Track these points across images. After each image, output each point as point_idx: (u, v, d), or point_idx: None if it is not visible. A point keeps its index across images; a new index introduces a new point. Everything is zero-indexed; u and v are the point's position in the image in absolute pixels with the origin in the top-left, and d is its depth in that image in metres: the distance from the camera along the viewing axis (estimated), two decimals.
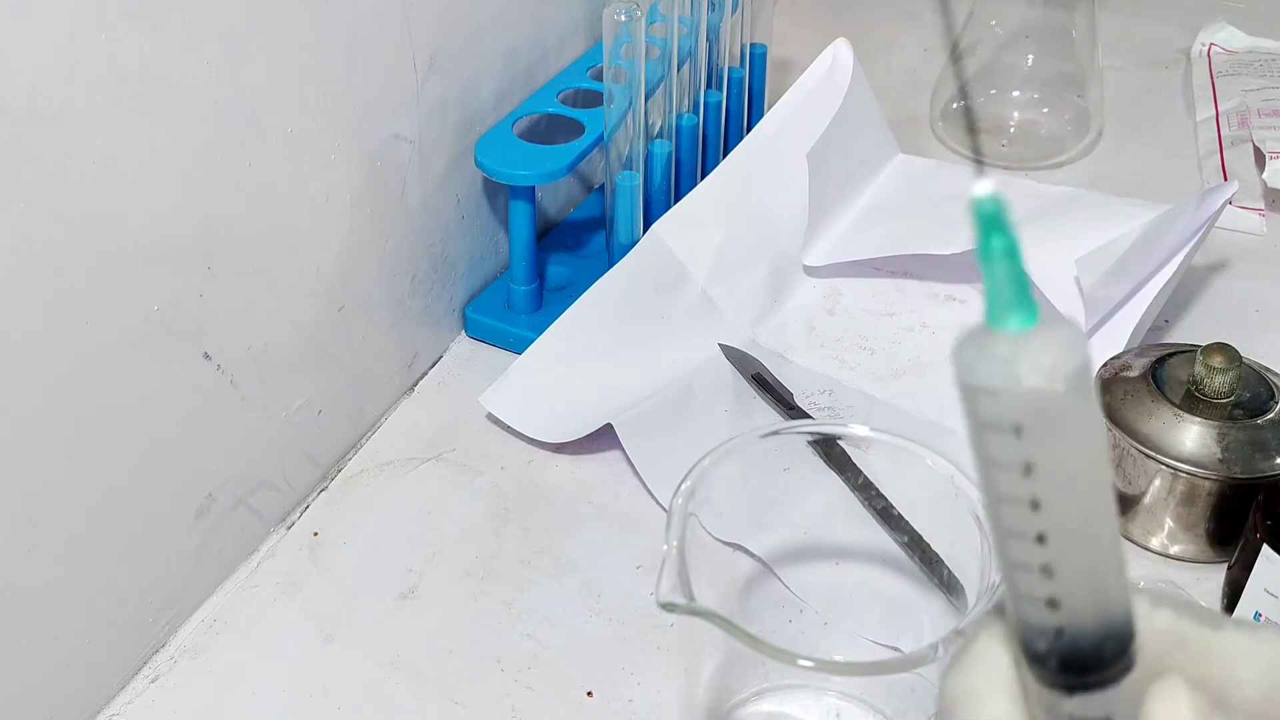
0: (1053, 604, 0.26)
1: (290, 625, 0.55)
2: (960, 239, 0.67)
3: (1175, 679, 0.28)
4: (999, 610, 0.29)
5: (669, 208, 0.69)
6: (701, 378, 0.65)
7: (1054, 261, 0.64)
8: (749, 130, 0.73)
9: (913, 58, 0.96)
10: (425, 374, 0.68)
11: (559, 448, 0.63)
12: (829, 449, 0.55)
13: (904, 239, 0.70)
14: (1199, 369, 0.56)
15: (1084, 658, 0.27)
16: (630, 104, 0.66)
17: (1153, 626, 0.28)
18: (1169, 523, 0.56)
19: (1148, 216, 0.65)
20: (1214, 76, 0.90)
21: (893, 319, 0.69)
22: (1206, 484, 0.55)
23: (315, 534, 0.59)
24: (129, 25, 0.45)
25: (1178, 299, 0.71)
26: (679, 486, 0.44)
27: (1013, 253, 0.24)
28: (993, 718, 0.28)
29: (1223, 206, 0.66)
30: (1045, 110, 0.84)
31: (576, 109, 0.70)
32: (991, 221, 0.24)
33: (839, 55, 0.73)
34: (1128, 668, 0.27)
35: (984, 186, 0.24)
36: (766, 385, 0.65)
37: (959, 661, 0.29)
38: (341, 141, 0.57)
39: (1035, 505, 0.25)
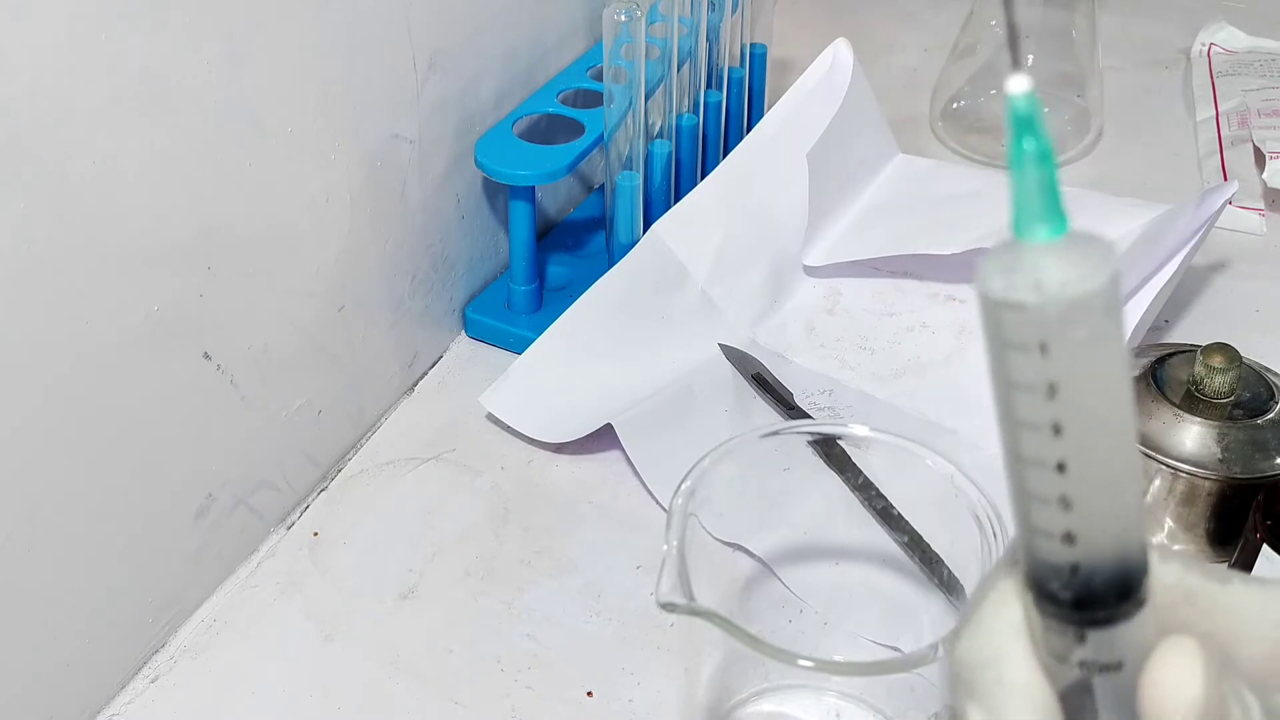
0: (1069, 538, 0.25)
1: (290, 625, 0.55)
2: (960, 239, 0.67)
3: (1186, 635, 0.27)
4: (1006, 565, 0.28)
5: (669, 208, 0.69)
6: (701, 378, 0.65)
7: None
8: (749, 130, 0.73)
9: (913, 58, 0.96)
10: (425, 374, 0.68)
11: (559, 448, 0.63)
12: (829, 449, 0.55)
13: (904, 239, 0.70)
14: (1199, 369, 0.56)
15: (1099, 593, 0.26)
16: (630, 104, 0.66)
17: (1160, 581, 0.27)
18: (1169, 523, 0.56)
19: (1148, 216, 0.65)
20: (1214, 76, 0.90)
21: (893, 319, 0.69)
22: (1206, 484, 0.55)
23: (315, 534, 0.59)
24: (129, 25, 0.45)
25: (1178, 299, 0.71)
26: (679, 486, 0.44)
27: (1045, 157, 0.23)
28: (1014, 681, 0.27)
29: (1223, 206, 0.66)
30: (1045, 110, 0.84)
31: (576, 109, 0.70)
32: (1024, 123, 0.23)
33: (839, 55, 0.73)
34: (1141, 602, 0.26)
35: (1019, 84, 0.23)
36: (766, 385, 0.65)
37: (970, 626, 0.28)
38: (341, 141, 0.57)
39: (1057, 430, 0.24)
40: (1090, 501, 0.25)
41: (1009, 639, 0.27)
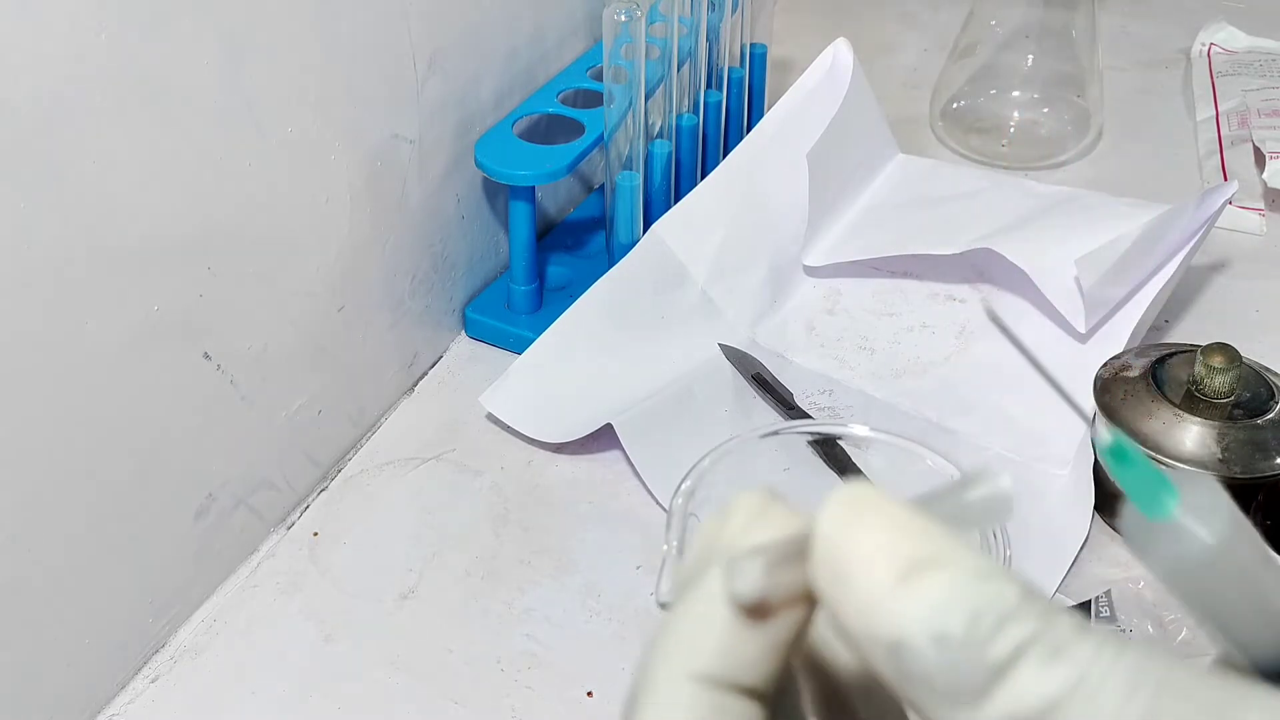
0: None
1: (290, 625, 0.55)
2: (960, 239, 0.67)
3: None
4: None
5: (669, 208, 0.69)
6: (701, 378, 0.65)
7: (1054, 261, 0.64)
8: (749, 130, 0.73)
9: (913, 58, 0.96)
10: (425, 374, 0.68)
11: (559, 448, 0.63)
12: (829, 449, 0.55)
13: (904, 239, 0.70)
14: (1199, 369, 0.56)
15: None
16: (630, 104, 0.66)
17: None
18: None
19: (1148, 216, 0.65)
20: (1214, 76, 0.90)
21: (893, 319, 0.69)
22: None
23: (315, 534, 0.59)
24: (129, 25, 0.45)
25: (1178, 299, 0.71)
26: (679, 486, 0.44)
27: (1158, 481, 0.26)
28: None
29: (1223, 206, 0.66)
30: (1045, 110, 0.84)
31: (576, 109, 0.70)
32: (1122, 459, 0.26)
33: (839, 55, 0.73)
34: None
35: (1105, 437, 0.26)
36: (766, 385, 0.65)
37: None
38: (341, 142, 0.57)
39: (1212, 635, 0.26)
40: (1254, 660, 0.26)
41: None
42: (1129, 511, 0.26)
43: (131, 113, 0.46)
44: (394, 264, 0.63)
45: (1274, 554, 0.26)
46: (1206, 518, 0.25)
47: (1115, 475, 0.26)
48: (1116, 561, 0.57)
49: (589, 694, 0.52)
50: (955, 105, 0.86)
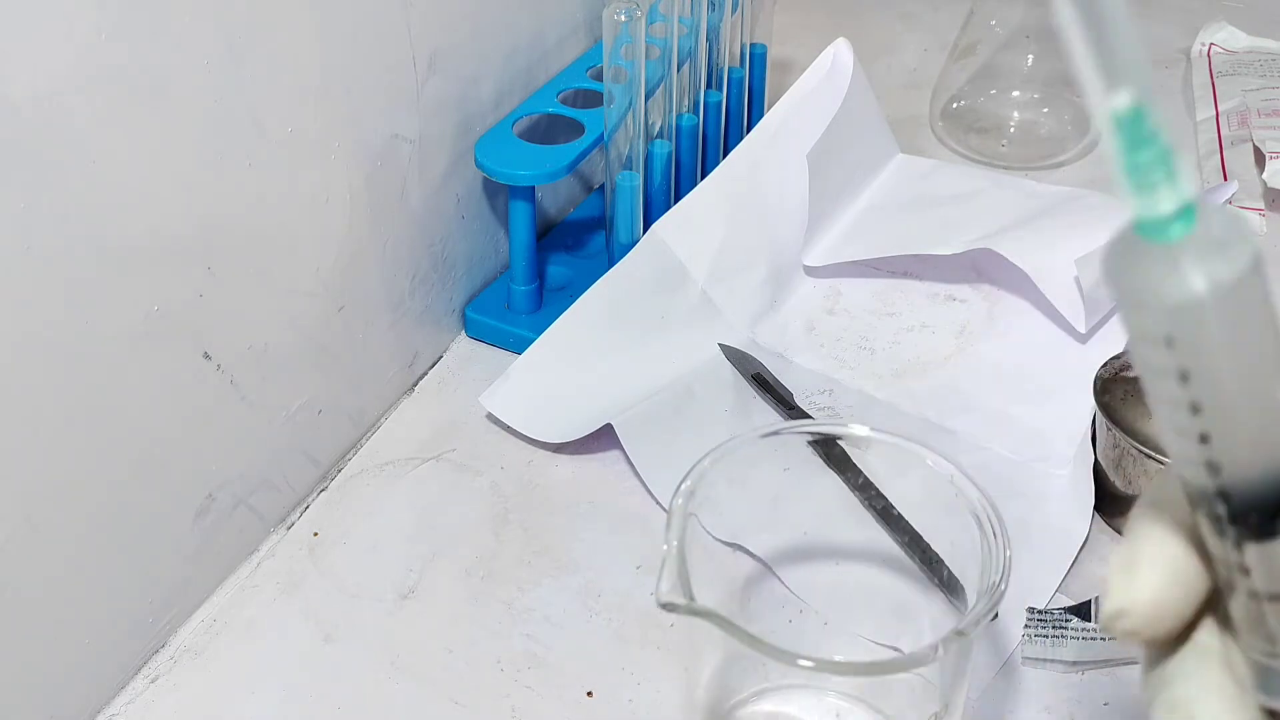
0: (1223, 495, 0.26)
1: (290, 625, 0.55)
2: (960, 239, 0.67)
3: None
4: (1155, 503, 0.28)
5: (669, 208, 0.69)
6: (701, 378, 0.65)
7: (1054, 261, 0.64)
8: (749, 130, 0.73)
9: (913, 58, 0.96)
10: (425, 374, 0.68)
11: (559, 448, 0.63)
12: (829, 449, 0.55)
13: (904, 239, 0.70)
14: None
15: (1252, 511, 0.26)
16: (630, 104, 0.66)
17: None
18: None
19: None
20: (1214, 76, 0.90)
21: (893, 319, 0.69)
22: None
23: (315, 534, 0.59)
24: (129, 25, 0.45)
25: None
26: (679, 486, 0.44)
27: (1165, 158, 0.22)
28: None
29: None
30: (1045, 110, 0.84)
31: (576, 109, 0.70)
32: (1137, 138, 0.22)
33: (839, 55, 0.73)
34: None
35: (1122, 98, 0.22)
36: (766, 385, 0.65)
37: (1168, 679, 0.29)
38: (341, 141, 0.57)
39: (1195, 409, 0.24)
40: (1236, 458, 0.25)
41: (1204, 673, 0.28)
42: (1119, 235, 0.23)
43: (131, 113, 0.46)
44: (394, 264, 0.63)
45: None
46: (1225, 249, 0.22)
47: (1119, 156, 0.22)
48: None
49: (589, 694, 0.52)
50: (955, 105, 0.86)
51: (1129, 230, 0.23)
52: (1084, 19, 0.21)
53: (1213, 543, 0.27)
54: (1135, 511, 0.29)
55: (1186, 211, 0.22)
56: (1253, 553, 0.27)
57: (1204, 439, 0.25)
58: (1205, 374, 0.24)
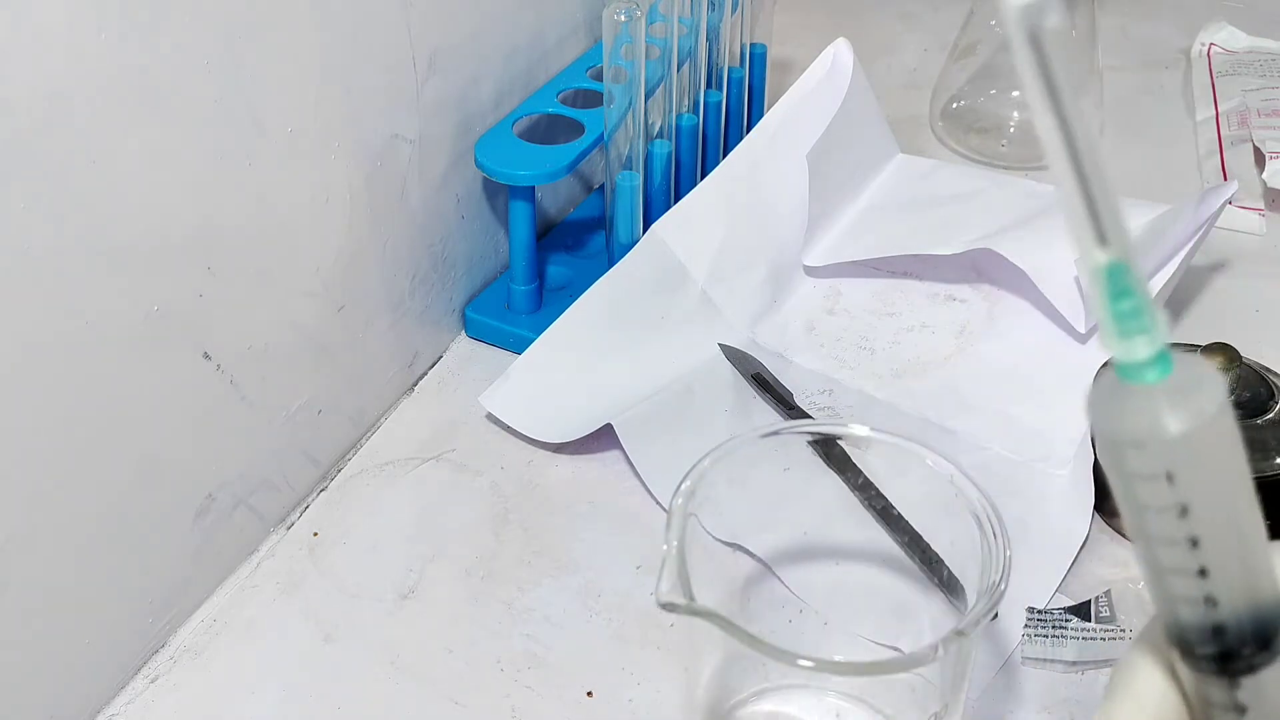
0: (1219, 630, 0.27)
1: (290, 625, 0.55)
2: (960, 239, 0.67)
3: None
4: (1140, 642, 0.30)
5: (669, 208, 0.69)
6: (701, 378, 0.65)
7: (1054, 261, 0.64)
8: (749, 130, 0.73)
9: (913, 58, 0.96)
10: (425, 374, 0.68)
11: (559, 448, 0.63)
12: (829, 449, 0.55)
13: (904, 239, 0.70)
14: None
15: (1244, 645, 0.27)
16: (630, 104, 0.66)
17: None
18: None
19: (1148, 216, 0.65)
20: (1214, 76, 0.90)
21: (893, 319, 0.69)
22: None
23: (315, 534, 0.59)
24: (129, 25, 0.45)
25: (1178, 299, 0.71)
26: (679, 486, 0.44)
27: (1140, 312, 0.25)
28: (1150, 681, 0.29)
29: (1223, 206, 0.66)
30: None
31: (576, 109, 0.70)
32: (1119, 289, 0.25)
33: (839, 55, 0.73)
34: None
35: (1105, 255, 0.25)
36: (766, 385, 0.65)
37: (1115, 700, 0.30)
38: (341, 141, 0.57)
39: (1194, 542, 0.26)
40: (1232, 589, 0.27)
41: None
42: (1103, 384, 0.25)
43: (131, 112, 0.46)
44: (394, 264, 0.63)
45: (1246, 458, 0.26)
46: (1201, 387, 0.25)
47: (1103, 304, 0.24)
48: (1116, 561, 0.57)
49: (589, 694, 0.52)
50: (955, 105, 0.86)
51: (1112, 380, 0.25)
52: (1079, 187, 0.24)
53: (1202, 691, 0.29)
54: (1126, 658, 0.31)
55: (1163, 356, 0.25)
56: (1247, 687, 0.28)
57: (1203, 572, 0.27)
58: (1203, 506, 0.26)
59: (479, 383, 0.65)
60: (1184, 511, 0.26)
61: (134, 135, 0.46)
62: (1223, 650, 0.27)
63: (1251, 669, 0.28)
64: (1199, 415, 0.25)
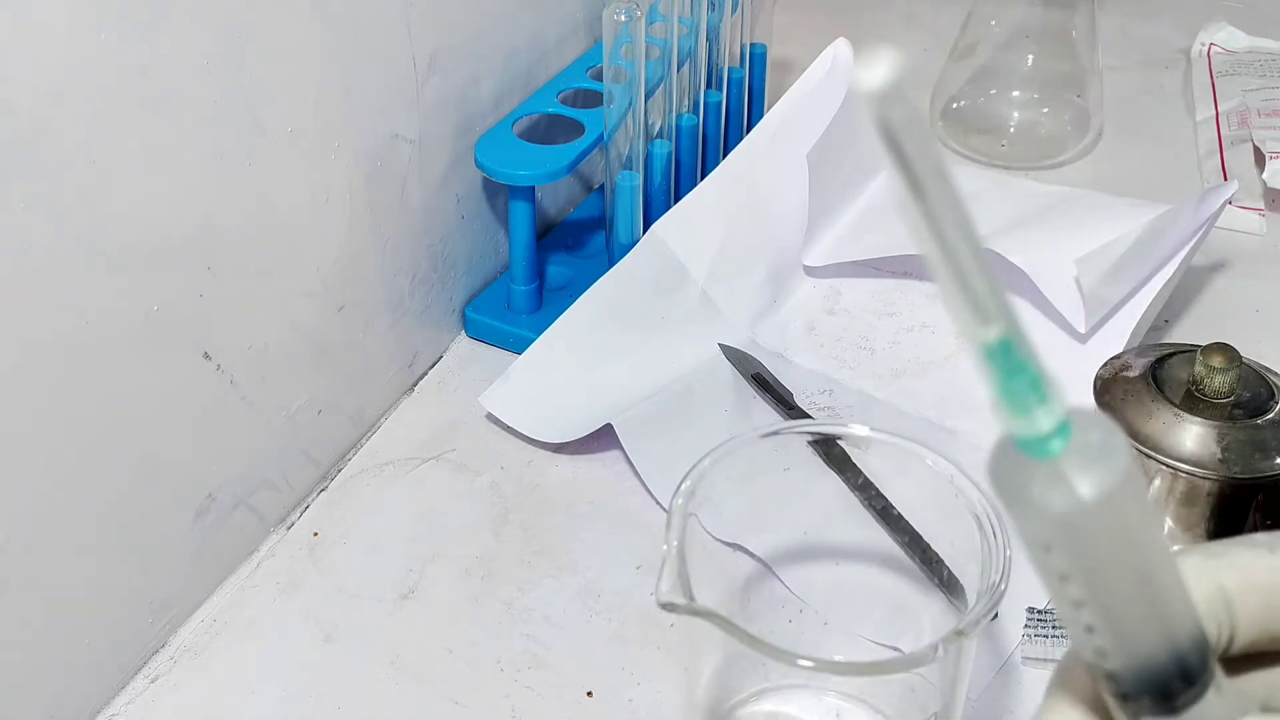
0: (1114, 678, 0.28)
1: (290, 625, 0.55)
2: None
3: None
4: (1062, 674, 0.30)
5: (669, 208, 0.69)
6: (701, 378, 0.65)
7: (1054, 261, 0.64)
8: (749, 130, 0.73)
9: (913, 58, 0.96)
10: (425, 374, 0.68)
11: (559, 448, 0.63)
12: (829, 449, 0.55)
13: (904, 239, 0.69)
14: (1199, 369, 0.56)
15: (1166, 689, 0.28)
16: (630, 104, 0.66)
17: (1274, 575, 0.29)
18: (1169, 523, 0.56)
19: (1148, 216, 0.65)
20: (1214, 76, 0.90)
21: (893, 319, 0.69)
22: (1206, 484, 0.55)
23: (315, 534, 0.59)
24: (128, 25, 0.45)
25: (1178, 299, 0.71)
26: (679, 486, 0.44)
27: (1035, 385, 0.24)
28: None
29: (1223, 206, 0.66)
30: (1045, 110, 0.84)
31: (576, 109, 0.70)
32: (1010, 366, 0.24)
33: (839, 55, 0.73)
34: (1207, 685, 0.28)
35: (992, 333, 0.24)
36: (766, 385, 0.65)
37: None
38: (341, 141, 0.57)
39: (1077, 605, 0.26)
40: (1119, 645, 0.27)
41: None
42: (1001, 445, 0.25)
43: (131, 113, 0.46)
44: (394, 264, 0.63)
45: (1160, 524, 0.27)
46: (1098, 462, 0.24)
47: (995, 383, 0.24)
48: None
49: (589, 694, 0.52)
50: (955, 105, 0.86)
51: (1010, 444, 0.25)
52: (951, 272, 0.23)
53: (1118, 714, 0.29)
54: (1047, 686, 0.31)
55: (1062, 428, 0.24)
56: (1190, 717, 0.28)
57: (1089, 630, 0.27)
58: (1083, 575, 0.26)
59: (479, 383, 0.65)
60: (1063, 579, 0.26)
61: (134, 135, 0.46)
62: (1123, 694, 0.28)
63: (1188, 703, 0.28)
64: (1081, 495, 0.24)
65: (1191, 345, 0.58)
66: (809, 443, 0.53)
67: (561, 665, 0.53)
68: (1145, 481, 0.27)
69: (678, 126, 0.72)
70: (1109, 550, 0.25)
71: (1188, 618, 0.27)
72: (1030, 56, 0.83)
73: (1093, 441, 0.24)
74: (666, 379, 0.65)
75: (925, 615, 0.51)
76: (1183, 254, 0.65)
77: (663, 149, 0.70)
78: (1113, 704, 0.28)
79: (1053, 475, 0.24)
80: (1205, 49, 0.94)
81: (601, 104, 0.67)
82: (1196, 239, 0.65)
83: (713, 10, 0.72)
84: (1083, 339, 0.64)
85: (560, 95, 0.71)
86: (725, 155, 0.73)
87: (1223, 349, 0.56)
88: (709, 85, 0.74)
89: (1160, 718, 0.28)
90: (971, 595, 0.44)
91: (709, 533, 0.49)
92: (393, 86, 0.60)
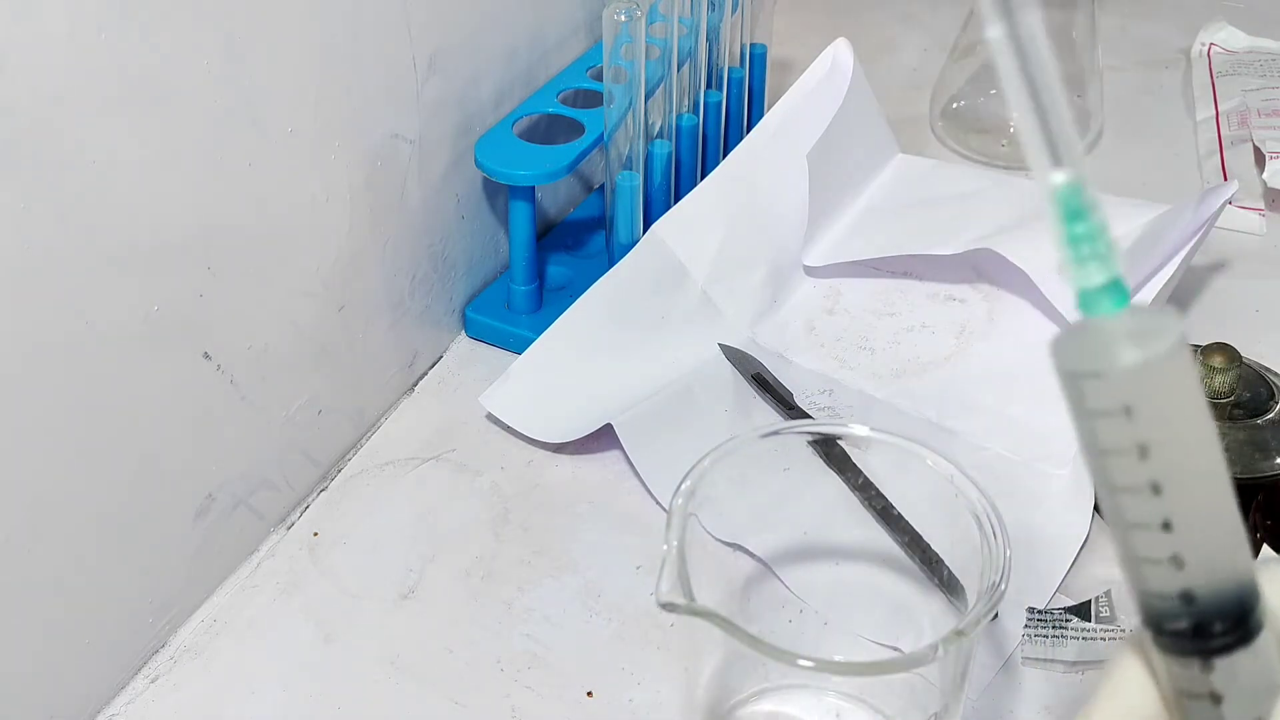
0: (1187, 598, 0.27)
1: (290, 625, 0.55)
2: (960, 239, 0.67)
3: None
4: (1124, 645, 0.30)
5: (669, 208, 0.69)
6: (701, 378, 0.65)
7: (1054, 261, 0.64)
8: (749, 130, 0.73)
9: (913, 58, 0.96)
10: (425, 374, 0.68)
11: (559, 448, 0.63)
12: (829, 449, 0.55)
13: (904, 239, 0.70)
14: (1199, 369, 0.56)
15: (1216, 619, 0.27)
16: (630, 104, 0.66)
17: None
18: None
19: (1148, 216, 0.65)
20: (1214, 76, 0.90)
21: (893, 319, 0.69)
22: None
23: (315, 534, 0.59)
24: (129, 25, 0.45)
25: (1178, 299, 0.71)
26: (679, 486, 0.44)
27: (1096, 235, 0.25)
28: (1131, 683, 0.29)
29: (1223, 206, 0.66)
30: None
31: (576, 109, 0.70)
32: (1073, 210, 0.25)
33: (839, 55, 0.73)
34: (1258, 626, 0.27)
35: (1060, 176, 0.25)
36: (766, 385, 0.65)
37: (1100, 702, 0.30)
38: (341, 141, 0.57)
39: (1156, 489, 0.25)
40: (1199, 548, 0.26)
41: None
42: (1066, 332, 0.25)
43: (131, 113, 0.46)
44: (394, 264, 0.63)
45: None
46: (1160, 323, 0.25)
47: (1058, 228, 0.25)
48: (1117, 561, 0.57)
49: (589, 694, 0.52)
50: (955, 105, 0.86)
51: (1075, 320, 0.25)
52: (1034, 110, 0.25)
53: (1179, 682, 0.28)
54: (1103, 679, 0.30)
55: (1117, 285, 0.25)
56: (1221, 670, 0.27)
57: (1167, 526, 0.26)
58: (1163, 445, 0.25)
59: (479, 383, 0.65)
60: (1144, 452, 0.25)
61: (134, 135, 0.46)
62: (1195, 625, 0.27)
63: (1226, 649, 0.27)
64: (1156, 347, 0.24)
65: (1192, 345, 0.58)
66: (809, 443, 0.53)
67: (561, 665, 0.53)
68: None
69: (678, 126, 0.72)
70: (1188, 410, 0.25)
71: (1246, 549, 0.27)
72: None
73: (1148, 311, 0.25)
74: (666, 379, 0.65)
75: (925, 615, 0.51)
76: (1183, 254, 0.65)
77: (663, 149, 0.70)
78: (1162, 664, 0.28)
79: (1124, 334, 0.25)
80: (1205, 49, 0.94)
81: (601, 104, 0.67)
82: (1196, 239, 0.65)
83: (713, 10, 0.72)
84: None
85: (560, 95, 0.71)
86: (725, 155, 0.73)
87: (1223, 349, 0.56)
88: (709, 85, 0.74)
89: (1231, 653, 0.27)
90: (971, 595, 0.44)
91: (709, 533, 0.49)
92: (393, 86, 0.60)
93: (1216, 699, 0.28)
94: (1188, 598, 0.27)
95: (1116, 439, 0.25)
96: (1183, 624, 0.27)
